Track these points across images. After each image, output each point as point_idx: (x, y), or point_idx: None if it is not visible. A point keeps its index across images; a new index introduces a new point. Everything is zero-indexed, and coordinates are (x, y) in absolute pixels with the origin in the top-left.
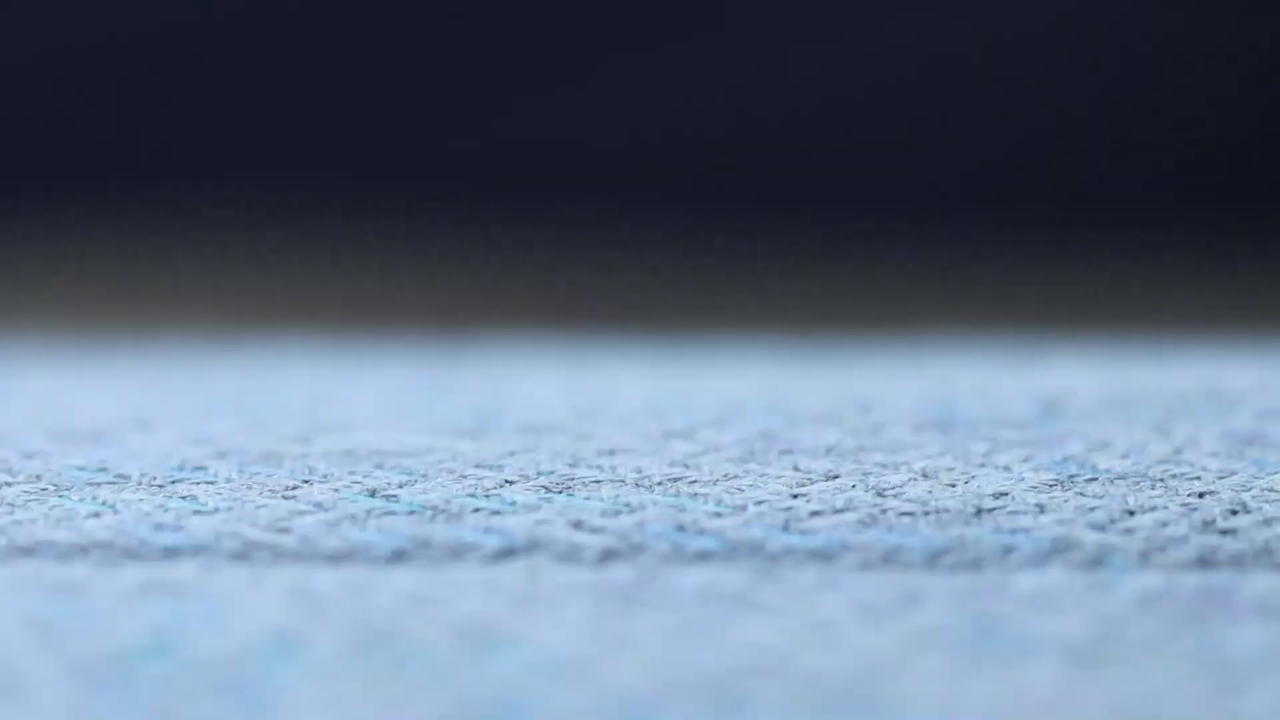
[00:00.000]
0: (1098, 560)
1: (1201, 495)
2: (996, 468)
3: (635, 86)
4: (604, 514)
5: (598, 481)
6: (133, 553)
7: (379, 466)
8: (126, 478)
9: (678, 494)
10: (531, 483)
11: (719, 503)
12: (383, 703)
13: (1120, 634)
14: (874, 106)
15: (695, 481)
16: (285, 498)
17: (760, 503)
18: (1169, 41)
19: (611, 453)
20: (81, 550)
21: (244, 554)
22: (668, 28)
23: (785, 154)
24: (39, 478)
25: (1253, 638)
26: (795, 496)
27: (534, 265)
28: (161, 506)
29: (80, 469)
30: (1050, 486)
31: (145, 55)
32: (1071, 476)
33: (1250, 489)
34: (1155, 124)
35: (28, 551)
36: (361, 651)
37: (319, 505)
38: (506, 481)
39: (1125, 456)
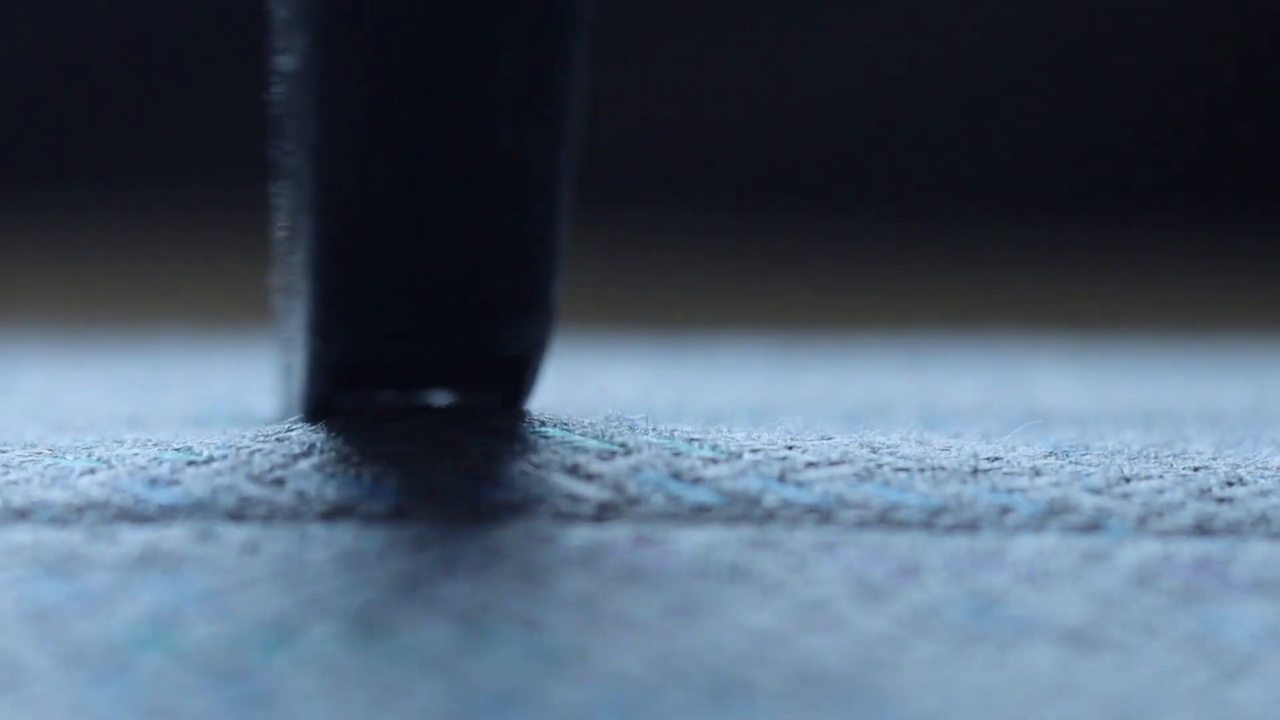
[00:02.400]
0: (1095, 524)
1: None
2: (990, 437)
3: (635, 84)
4: (600, 456)
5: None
6: (128, 513)
7: None
8: (121, 441)
9: (672, 436)
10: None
11: (714, 447)
12: (379, 692)
13: (1117, 615)
14: (877, 104)
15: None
16: (280, 440)
17: (756, 450)
18: (1173, 36)
19: (604, 390)
20: (77, 511)
21: (240, 512)
22: (669, 25)
23: (787, 153)
24: (33, 444)
25: (1249, 618)
26: (790, 449)
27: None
28: (156, 459)
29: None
30: (1046, 456)
31: (144, 54)
32: (1065, 451)
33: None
34: (1159, 121)
35: (22, 514)
36: (357, 639)
37: (315, 447)
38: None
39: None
